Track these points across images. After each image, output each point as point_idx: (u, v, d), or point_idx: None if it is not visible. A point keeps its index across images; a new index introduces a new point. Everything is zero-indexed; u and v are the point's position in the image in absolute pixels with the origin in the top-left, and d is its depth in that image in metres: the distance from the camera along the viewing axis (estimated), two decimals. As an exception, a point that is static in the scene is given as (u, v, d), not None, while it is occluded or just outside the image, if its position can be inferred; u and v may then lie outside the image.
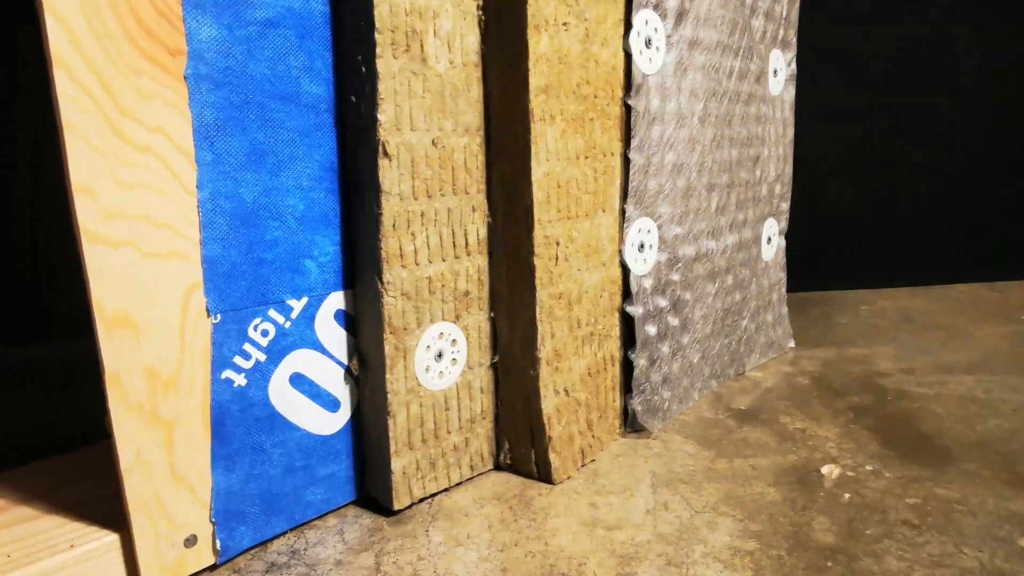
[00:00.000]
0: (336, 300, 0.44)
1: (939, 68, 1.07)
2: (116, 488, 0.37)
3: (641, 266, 0.57)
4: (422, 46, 0.43)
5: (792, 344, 0.82)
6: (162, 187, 0.35)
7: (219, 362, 0.39)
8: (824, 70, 1.01)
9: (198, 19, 0.36)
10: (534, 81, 0.45)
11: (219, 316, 0.39)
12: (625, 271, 0.56)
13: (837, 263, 1.13)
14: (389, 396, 0.44)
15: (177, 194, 0.36)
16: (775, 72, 0.72)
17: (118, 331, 0.35)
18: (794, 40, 0.75)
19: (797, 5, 0.74)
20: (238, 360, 0.40)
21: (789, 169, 0.78)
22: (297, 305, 0.42)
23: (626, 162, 0.54)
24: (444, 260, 0.46)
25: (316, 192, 0.42)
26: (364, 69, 0.41)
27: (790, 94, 0.76)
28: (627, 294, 0.56)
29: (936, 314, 0.98)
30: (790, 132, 0.77)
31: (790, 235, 0.81)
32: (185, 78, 0.36)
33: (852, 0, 1.04)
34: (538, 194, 0.47)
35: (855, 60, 1.06)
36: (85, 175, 0.33)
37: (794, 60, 0.76)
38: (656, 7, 0.54)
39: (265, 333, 0.41)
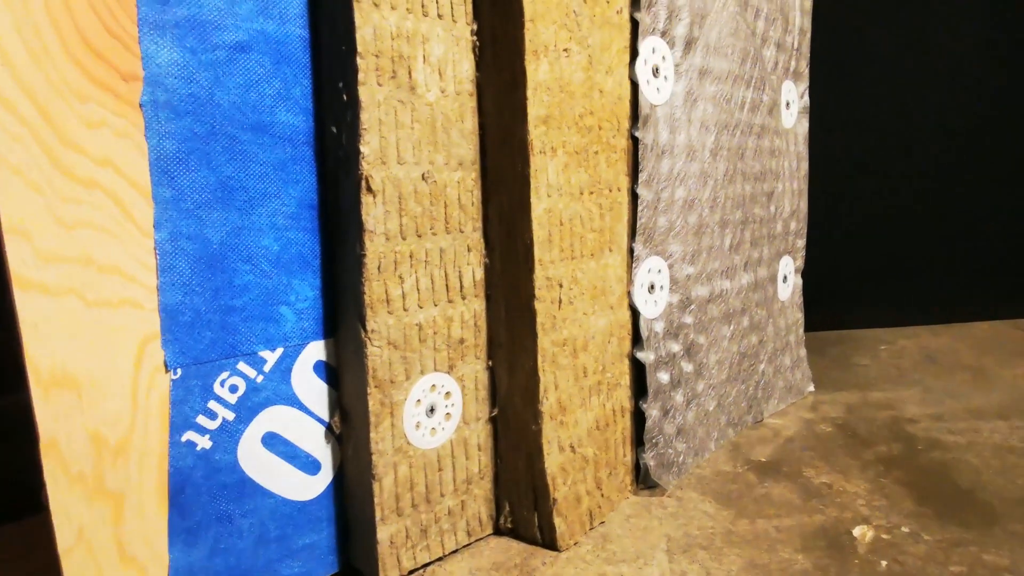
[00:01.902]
0: (316, 350, 0.39)
1: (959, 101, 1.02)
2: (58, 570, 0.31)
3: (652, 308, 0.51)
4: (410, 73, 0.38)
5: (812, 388, 0.76)
6: (111, 227, 0.31)
7: (179, 423, 0.33)
8: (838, 102, 0.96)
9: (157, 42, 0.31)
10: (533, 111, 0.40)
11: (179, 371, 0.33)
12: (635, 314, 0.50)
13: (853, 300, 1.07)
14: (374, 457, 0.38)
15: (130, 235, 0.31)
16: (788, 104, 0.67)
17: (57, 392, 0.29)
18: (806, 71, 0.70)
19: (808, 36, 0.70)
20: (202, 420, 0.34)
21: (804, 205, 0.73)
22: (271, 357, 0.37)
23: (634, 198, 0.49)
24: (436, 305, 0.41)
25: (293, 231, 0.37)
26: (345, 96, 0.36)
27: (803, 127, 0.71)
28: (637, 339, 0.50)
29: (960, 354, 0.91)
30: (804, 166, 0.72)
31: (805, 271, 0.75)
32: (141, 106, 0.31)
33: (865, 32, 1.00)
34: (539, 232, 0.42)
35: (870, 92, 1.02)
36: (18, 213, 0.28)
37: (807, 92, 0.71)
38: (664, 34, 0.49)
39: (234, 389, 0.36)
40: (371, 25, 0.36)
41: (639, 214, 0.49)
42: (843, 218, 1.04)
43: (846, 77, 1.00)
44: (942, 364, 0.87)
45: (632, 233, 0.49)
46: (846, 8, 0.97)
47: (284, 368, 0.38)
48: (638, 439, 0.52)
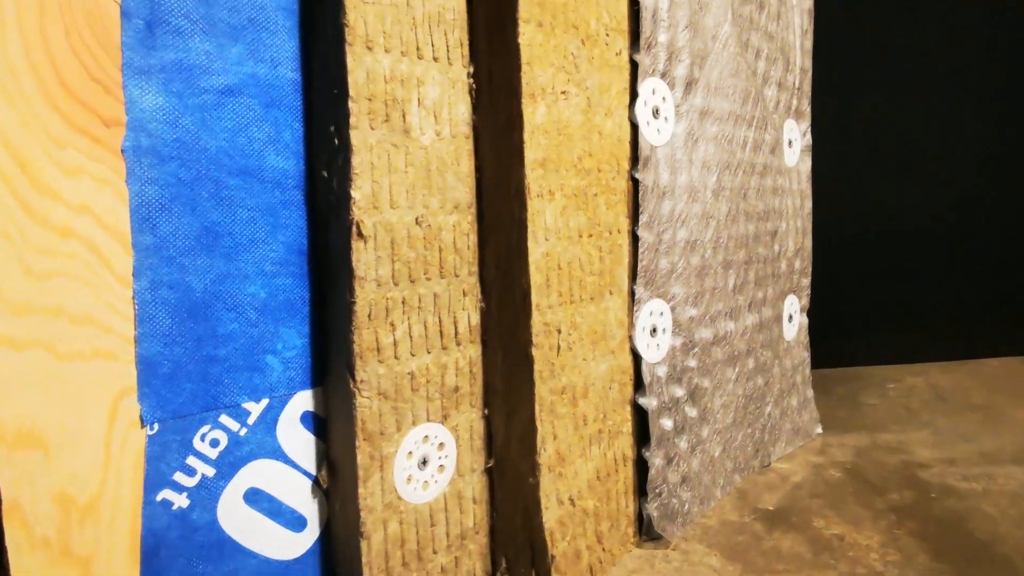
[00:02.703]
0: (303, 400, 0.37)
1: (966, 134, 1.01)
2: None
3: (654, 353, 0.49)
4: (404, 116, 0.37)
5: (819, 430, 0.73)
6: (87, 276, 0.29)
7: (154, 481, 0.31)
8: (841, 139, 0.95)
9: (141, 86, 0.30)
10: (530, 154, 0.39)
11: (156, 426, 0.31)
12: (636, 359, 0.48)
13: (860, 336, 1.04)
14: (363, 514, 0.36)
15: (106, 284, 0.29)
16: (790, 142, 0.66)
17: (22, 451, 0.27)
18: (808, 110, 0.69)
19: (809, 75, 0.69)
20: (179, 477, 0.32)
21: (808, 243, 0.71)
22: (256, 408, 0.35)
23: (634, 240, 0.47)
24: (429, 352, 0.39)
25: (281, 278, 0.36)
26: (337, 140, 0.35)
27: (806, 165, 0.70)
28: (639, 384, 0.48)
29: (970, 393, 0.88)
30: (808, 204, 0.70)
31: (810, 307, 0.73)
32: (122, 151, 0.30)
33: (867, 67, 0.99)
34: (536, 277, 0.40)
35: (873, 129, 1.01)
36: (-13, 265, 0.26)
37: (809, 130, 0.69)
38: (664, 75, 0.48)
39: (215, 443, 0.34)
40: (364, 69, 0.35)
41: (640, 256, 0.47)
42: (849, 252, 1.02)
43: (849, 112, 0.99)
44: (952, 404, 0.84)
45: (633, 276, 0.47)
46: (848, 42, 0.96)
47: (269, 420, 0.36)
48: (641, 489, 0.49)
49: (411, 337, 0.38)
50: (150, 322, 0.31)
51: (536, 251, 0.40)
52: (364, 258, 0.35)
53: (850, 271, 1.02)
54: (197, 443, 0.33)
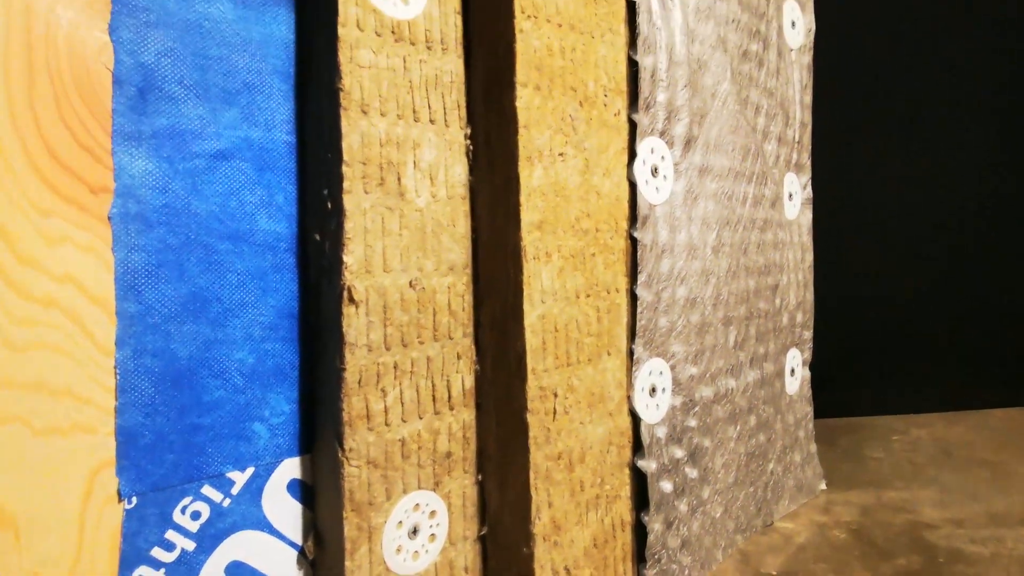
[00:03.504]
0: (290, 468, 0.36)
1: (970, 180, 1.01)
2: None
3: (653, 413, 0.48)
4: (399, 179, 0.36)
5: (823, 485, 0.71)
6: (68, 347, 0.28)
7: (131, 558, 0.30)
8: (844, 188, 0.95)
9: (131, 152, 0.30)
10: (527, 216, 0.38)
11: (134, 500, 0.30)
12: (635, 420, 0.47)
13: (863, 384, 1.02)
14: (348, 588, 0.34)
15: (87, 355, 0.28)
16: (790, 196, 0.65)
17: (-9, 531, 0.26)
18: (808, 163, 0.69)
19: (809, 129, 0.68)
20: (157, 553, 0.31)
21: (810, 295, 0.70)
22: (240, 478, 0.34)
23: (633, 299, 0.46)
24: (421, 418, 0.38)
25: (270, 342, 0.35)
26: (330, 204, 0.34)
27: (807, 218, 0.69)
28: (638, 446, 0.47)
29: (977, 447, 0.86)
30: (809, 257, 0.70)
31: (813, 354, 0.71)
32: (109, 218, 0.29)
33: (866, 118, 0.99)
34: (532, 340, 0.39)
35: (876, 178, 1.00)
36: (-37, 338, 0.25)
37: (809, 183, 0.69)
38: (663, 134, 0.48)
39: (196, 515, 0.32)
40: (359, 133, 0.34)
41: (639, 315, 0.46)
42: (851, 300, 1.00)
43: (851, 163, 0.98)
44: (958, 459, 0.82)
45: (632, 335, 0.46)
46: (847, 93, 0.97)
47: (254, 489, 0.34)
48: (640, 555, 0.47)
49: (403, 403, 0.37)
50: (132, 392, 0.30)
51: (532, 314, 0.39)
52: (355, 324, 0.34)
53: (854, 319, 1.01)
54: (177, 516, 0.31)
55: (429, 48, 0.37)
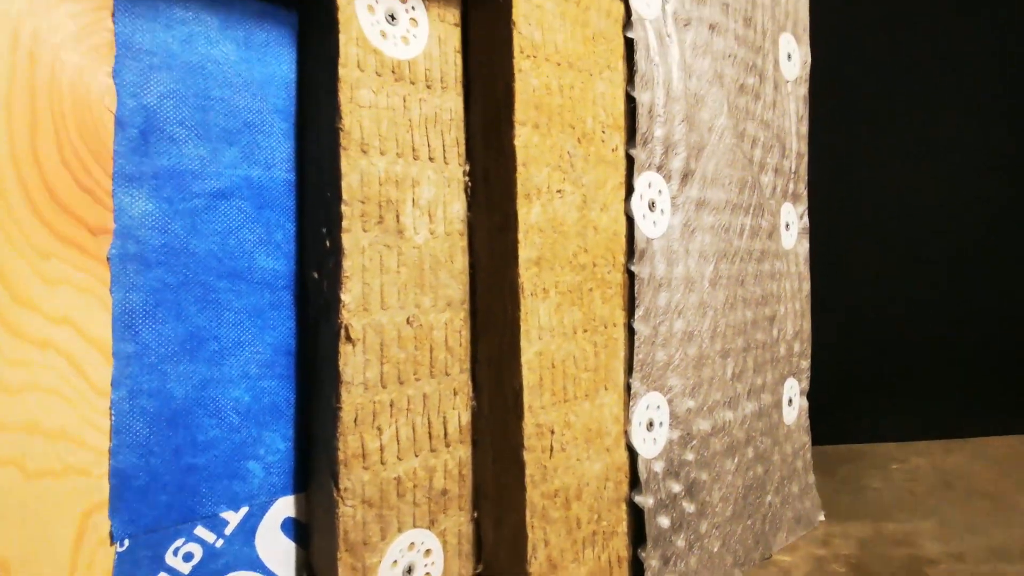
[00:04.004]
0: (285, 506, 0.36)
1: (969, 205, 1.01)
2: None
3: (651, 448, 0.47)
4: (398, 217, 0.36)
5: (822, 517, 0.71)
6: (63, 389, 0.28)
7: (122, 600, 0.30)
8: (841, 216, 0.96)
9: (131, 194, 0.30)
10: (524, 253, 0.39)
11: (126, 542, 0.30)
12: (632, 454, 0.46)
13: (862, 411, 1.02)
14: (341, 630, 0.34)
15: (82, 396, 0.28)
16: (787, 225, 0.66)
17: (-19, 576, 0.26)
18: (805, 193, 0.69)
19: (805, 159, 0.69)
20: (149, 595, 0.31)
21: (807, 325, 0.70)
22: (234, 518, 0.34)
23: (630, 333, 0.46)
24: (417, 455, 0.38)
25: (267, 380, 0.35)
26: (328, 243, 0.34)
27: (804, 247, 0.69)
28: (635, 481, 0.47)
29: (976, 477, 0.86)
30: (806, 286, 0.70)
31: (811, 381, 0.71)
32: (108, 259, 0.29)
33: (863, 146, 1.00)
34: (529, 377, 0.39)
35: (873, 204, 1.01)
36: (-42, 381, 0.25)
37: (806, 213, 0.70)
38: (660, 169, 0.48)
39: (188, 557, 0.32)
40: (358, 172, 0.34)
41: (636, 349, 0.46)
42: (850, 327, 1.01)
43: (847, 190, 0.99)
44: (958, 489, 0.81)
45: (629, 369, 0.46)
46: (843, 123, 0.98)
47: (248, 529, 0.34)
48: (636, 592, 0.47)
49: (398, 440, 0.36)
50: (126, 433, 0.30)
51: (529, 351, 0.39)
52: (352, 362, 0.34)
53: (852, 345, 1.01)
54: (169, 558, 0.31)
55: (429, 87, 0.38)
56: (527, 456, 0.39)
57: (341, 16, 0.34)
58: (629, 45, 0.46)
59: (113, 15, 0.29)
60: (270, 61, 0.34)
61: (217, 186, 0.33)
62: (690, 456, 0.51)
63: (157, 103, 0.31)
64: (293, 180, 0.36)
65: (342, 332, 0.34)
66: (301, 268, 0.36)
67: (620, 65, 0.46)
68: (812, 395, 0.72)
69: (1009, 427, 1.03)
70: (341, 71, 0.34)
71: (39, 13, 0.27)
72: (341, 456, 0.34)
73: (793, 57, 0.66)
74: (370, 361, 0.35)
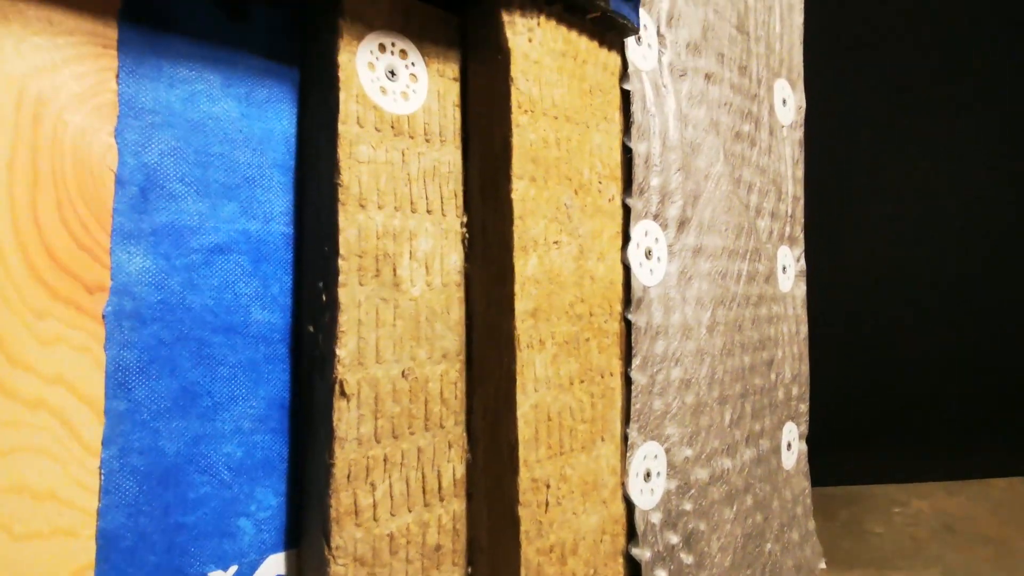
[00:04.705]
0: (275, 564, 0.35)
1: (967, 247, 1.02)
2: None
3: (648, 499, 0.47)
4: (395, 270, 0.37)
5: (823, 564, 0.70)
6: (54, 450, 0.28)
7: (107, 665, 0.29)
8: (840, 256, 0.96)
9: (129, 251, 0.30)
10: (520, 305, 0.39)
11: (113, 604, 0.29)
12: (629, 506, 0.46)
13: (863, 452, 1.02)
14: None
15: (73, 456, 0.28)
16: (784, 268, 0.66)
17: (-37, 643, 0.25)
18: (801, 236, 0.70)
19: (801, 203, 0.70)
20: (134, 659, 0.30)
21: (805, 368, 0.70)
22: (223, 576, 0.33)
23: (627, 382, 0.46)
24: (411, 511, 0.37)
25: (260, 434, 0.35)
26: (325, 297, 0.35)
27: (801, 290, 0.70)
28: (632, 534, 0.46)
29: (979, 521, 0.85)
30: (804, 329, 0.70)
31: (811, 421, 0.71)
32: (103, 317, 0.29)
33: (859, 183, 1.01)
34: (524, 431, 0.39)
35: (869, 246, 1.02)
36: (-51, 444, 0.25)
37: (802, 256, 0.70)
38: (656, 217, 0.49)
39: (176, 618, 0.32)
40: (356, 226, 0.35)
41: (633, 399, 0.46)
42: (850, 366, 1.01)
43: (846, 231, 1.00)
44: (961, 535, 0.81)
45: (626, 419, 0.46)
46: (840, 164, 0.99)
47: (237, 588, 0.34)
48: (633, 648, 0.46)
49: (392, 496, 0.36)
50: (115, 493, 0.30)
51: (525, 403, 0.39)
52: (346, 417, 0.34)
53: (853, 385, 1.01)
54: (157, 620, 0.31)
55: (428, 141, 0.39)
56: (522, 511, 0.38)
57: (342, 74, 0.35)
58: (626, 97, 0.47)
59: (117, 76, 0.30)
60: (271, 117, 0.35)
61: (215, 241, 0.33)
62: (688, 506, 0.51)
63: (158, 160, 0.31)
64: (291, 233, 0.36)
65: (336, 387, 0.34)
66: (297, 321, 0.36)
67: (617, 116, 0.46)
68: (812, 436, 0.71)
69: (1011, 468, 1.03)
70: (341, 128, 0.34)
71: (44, 75, 0.28)
72: (333, 513, 0.34)
73: (788, 102, 0.67)
74: (364, 416, 0.35)
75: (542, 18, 0.41)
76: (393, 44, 0.37)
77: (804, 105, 0.70)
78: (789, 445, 0.67)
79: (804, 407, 0.70)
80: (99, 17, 0.29)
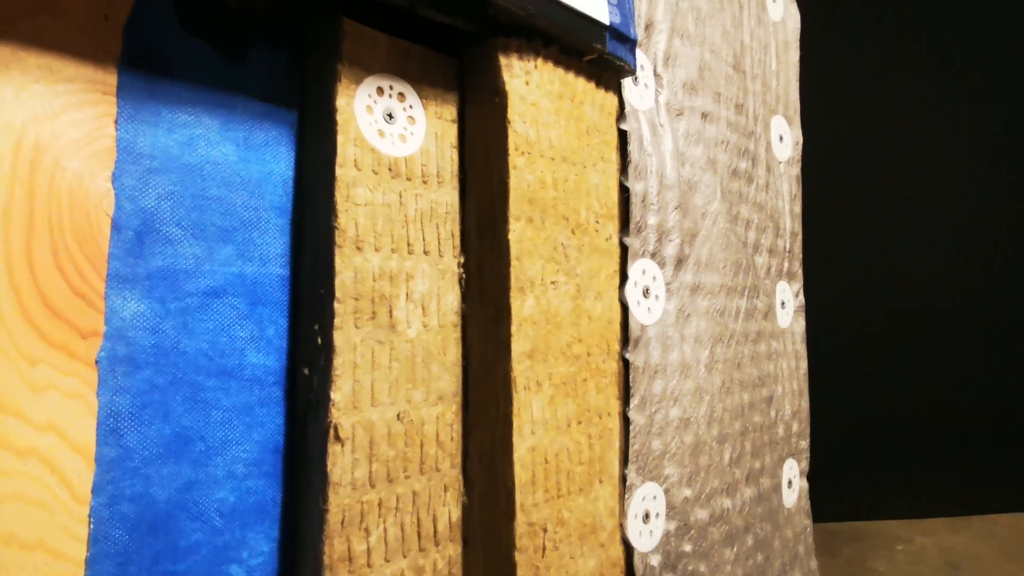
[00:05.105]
0: (266, 612, 0.35)
1: (964, 281, 1.02)
2: None
3: (647, 541, 0.47)
4: (391, 312, 0.37)
5: (826, 605, 0.69)
6: (43, 499, 0.28)
7: None
8: (837, 293, 0.96)
9: (124, 295, 0.30)
10: (517, 347, 0.39)
11: (99, 658, 0.29)
12: (628, 549, 0.46)
13: (866, 486, 1.01)
14: None
15: (62, 505, 0.28)
16: (783, 304, 0.66)
17: None
18: (800, 271, 0.70)
19: (800, 238, 0.70)
20: None
21: (805, 403, 0.70)
22: (212, 626, 0.33)
23: (625, 422, 0.46)
24: (405, 556, 0.37)
25: (253, 479, 0.34)
26: (320, 340, 0.35)
27: (800, 325, 0.70)
28: (631, 577, 0.46)
29: (983, 560, 0.84)
30: (803, 364, 0.70)
31: (813, 456, 0.70)
32: (97, 362, 0.29)
33: (858, 217, 1.02)
34: (521, 474, 0.38)
35: (869, 278, 1.02)
36: (-64, 495, 0.25)
37: (801, 291, 0.70)
38: (654, 255, 0.49)
39: (163, 671, 0.31)
40: (352, 269, 0.35)
41: (632, 439, 0.46)
42: (851, 401, 1.00)
43: (843, 265, 1.00)
44: (966, 573, 0.80)
45: (624, 460, 0.46)
46: (838, 200, 1.00)
47: (227, 638, 0.33)
48: None
49: (386, 541, 0.36)
50: (105, 542, 0.29)
51: (521, 447, 0.39)
52: (340, 462, 0.34)
53: (854, 420, 1.00)
54: (143, 673, 0.30)
55: (425, 182, 0.39)
56: (519, 557, 0.38)
57: (340, 117, 0.35)
58: (623, 136, 0.47)
59: (116, 121, 0.30)
60: (269, 160, 0.35)
61: (211, 284, 0.33)
62: (688, 547, 0.50)
63: (155, 205, 0.31)
64: (287, 275, 0.36)
65: (331, 431, 0.34)
66: (293, 363, 0.36)
67: (614, 156, 0.47)
68: (814, 472, 0.71)
69: (1016, 504, 1.02)
70: (338, 171, 0.35)
71: (44, 122, 0.28)
72: (327, 560, 0.33)
73: (785, 138, 0.68)
74: (359, 460, 0.35)
75: (539, 60, 0.41)
76: (391, 87, 0.38)
77: (801, 141, 0.71)
78: (790, 483, 0.66)
79: (805, 443, 0.70)
80: (99, 64, 0.30)
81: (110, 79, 0.30)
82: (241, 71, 0.35)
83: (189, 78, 0.33)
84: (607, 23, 0.43)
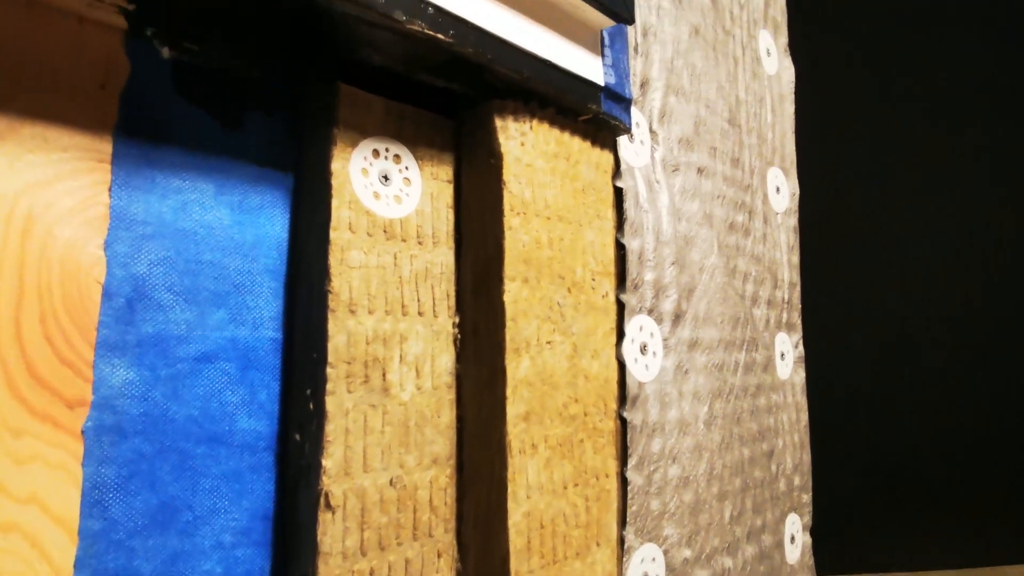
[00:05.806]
0: None
1: (967, 326, 1.02)
2: None
3: (646, 606, 0.45)
4: (384, 375, 0.36)
5: (833, 667, 0.67)
6: (24, 574, 0.27)
7: None
8: (838, 342, 0.96)
9: (113, 363, 0.30)
10: (512, 409, 0.38)
11: None
12: (626, 615, 0.44)
13: (871, 536, 0.99)
14: None
15: (42, 583, 0.27)
16: (782, 355, 0.66)
17: None
18: (799, 322, 0.70)
19: (798, 288, 0.70)
20: None
21: (807, 456, 0.69)
22: None
23: (623, 482, 0.45)
24: (396, 628, 0.36)
25: (241, 548, 0.34)
26: (312, 405, 0.34)
27: (800, 376, 0.69)
28: (630, 645, 0.44)
29: (994, 617, 0.82)
30: (804, 416, 0.69)
31: (817, 506, 0.69)
32: (82, 432, 0.29)
33: (856, 260, 1.02)
34: (516, 541, 0.38)
35: (870, 328, 1.02)
36: (-90, 576, 0.24)
37: (800, 342, 0.70)
38: (651, 312, 0.49)
39: None
40: (345, 333, 0.35)
41: (630, 500, 0.45)
42: (853, 453, 0.99)
43: (843, 314, 1.00)
44: (976, 632, 0.77)
45: (622, 521, 0.45)
46: (835, 248, 1.00)
47: None
48: None
49: (377, 613, 0.35)
50: (85, 620, 0.28)
51: (516, 512, 0.38)
52: (331, 531, 0.33)
53: (856, 472, 0.99)
54: None
55: (420, 243, 0.39)
56: (513, 628, 0.37)
57: (335, 181, 0.35)
58: (619, 193, 0.48)
59: (110, 189, 0.30)
60: (263, 223, 0.35)
61: (202, 349, 0.33)
62: (688, 612, 0.49)
63: (147, 271, 0.31)
64: (280, 339, 0.36)
65: (321, 499, 0.33)
66: (284, 428, 0.36)
67: (610, 213, 0.47)
68: (817, 526, 0.69)
69: (1021, 553, 1.00)
70: (332, 234, 0.35)
71: (37, 191, 0.28)
72: (314, 636, 0.32)
73: (782, 190, 0.68)
74: (350, 528, 0.34)
75: (535, 122, 0.42)
76: (387, 149, 0.38)
77: (798, 191, 0.72)
78: (792, 538, 0.65)
79: (807, 497, 0.68)
80: (95, 132, 0.30)
81: (105, 147, 0.30)
82: (237, 135, 0.35)
83: (184, 143, 0.33)
84: (602, 84, 0.44)
